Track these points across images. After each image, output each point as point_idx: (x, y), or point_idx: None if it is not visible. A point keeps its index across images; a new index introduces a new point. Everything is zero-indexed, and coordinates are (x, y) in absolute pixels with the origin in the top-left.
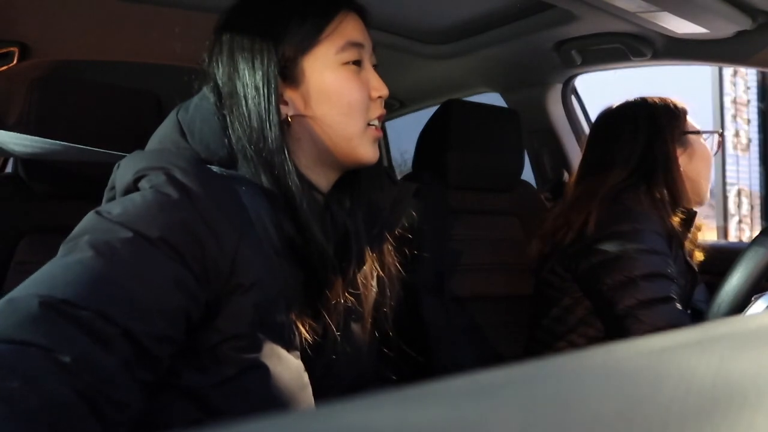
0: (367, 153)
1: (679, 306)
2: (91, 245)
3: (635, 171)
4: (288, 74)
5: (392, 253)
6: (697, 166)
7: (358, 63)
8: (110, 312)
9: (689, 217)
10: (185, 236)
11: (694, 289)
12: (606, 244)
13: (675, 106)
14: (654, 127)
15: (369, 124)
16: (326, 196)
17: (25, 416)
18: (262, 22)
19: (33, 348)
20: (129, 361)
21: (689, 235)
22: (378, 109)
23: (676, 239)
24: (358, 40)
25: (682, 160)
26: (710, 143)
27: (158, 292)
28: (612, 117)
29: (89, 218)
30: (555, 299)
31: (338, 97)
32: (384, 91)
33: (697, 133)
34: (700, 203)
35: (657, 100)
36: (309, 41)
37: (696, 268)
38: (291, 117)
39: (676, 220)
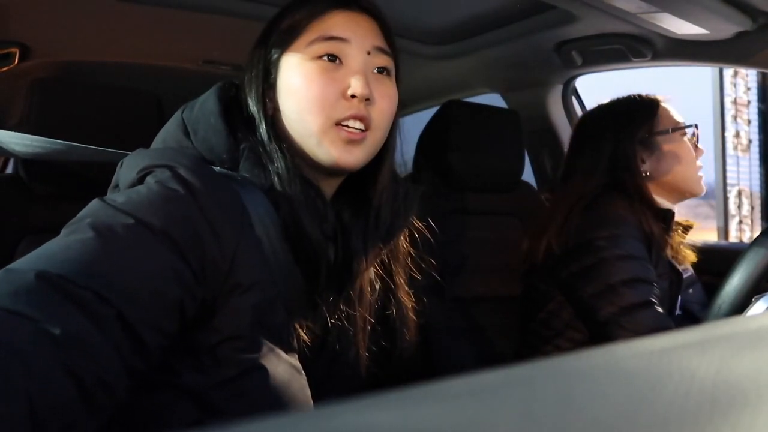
0: (329, 154)
1: (659, 309)
2: (92, 227)
3: (604, 177)
4: (271, 72)
5: (395, 256)
6: (668, 168)
7: (334, 58)
8: (106, 293)
9: (666, 217)
10: (186, 232)
11: (680, 289)
12: (584, 252)
13: (637, 109)
14: (614, 135)
15: (339, 124)
16: (329, 199)
17: (4, 383)
18: (269, 25)
19: (22, 318)
20: (120, 345)
21: (672, 235)
22: (351, 109)
23: (656, 242)
24: (336, 34)
25: (651, 163)
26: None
27: (155, 280)
28: (582, 123)
29: (93, 204)
30: (540, 303)
31: (298, 91)
32: (359, 91)
33: (662, 133)
34: (692, 197)
35: (619, 105)
36: (288, 39)
37: (680, 269)
38: (271, 115)
39: (655, 221)
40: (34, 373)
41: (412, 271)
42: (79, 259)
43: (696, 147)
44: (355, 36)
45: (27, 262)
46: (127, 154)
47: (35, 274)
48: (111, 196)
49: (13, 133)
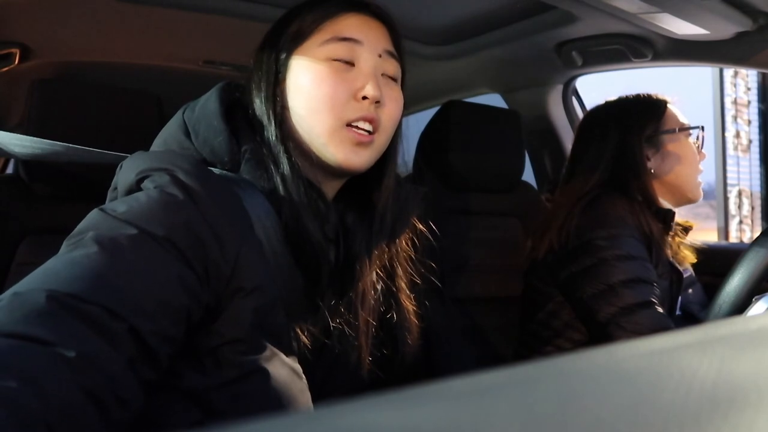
0: (335, 155)
1: (659, 309)
2: (96, 241)
3: (607, 176)
4: (280, 72)
5: (398, 259)
6: (671, 167)
7: (348, 61)
8: (116, 308)
9: (667, 218)
10: (189, 237)
11: (680, 289)
12: (583, 252)
13: (646, 106)
14: (620, 131)
15: (349, 125)
16: (331, 201)
17: (22, 418)
18: (277, 25)
19: (36, 343)
20: (133, 358)
21: (672, 234)
22: (361, 111)
23: (655, 242)
24: (349, 35)
25: (655, 161)
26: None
27: (163, 290)
28: (586, 121)
29: (93, 215)
30: (540, 304)
31: (309, 90)
32: (371, 93)
33: (668, 132)
34: (689, 202)
35: (628, 101)
36: (299, 39)
37: (680, 269)
38: (279, 113)
39: (655, 221)
40: (53, 402)
41: (414, 275)
42: (87, 275)
43: (699, 150)
44: (368, 38)
45: (33, 283)
46: (126, 157)
47: (46, 295)
48: (111, 205)
49: (12, 134)
